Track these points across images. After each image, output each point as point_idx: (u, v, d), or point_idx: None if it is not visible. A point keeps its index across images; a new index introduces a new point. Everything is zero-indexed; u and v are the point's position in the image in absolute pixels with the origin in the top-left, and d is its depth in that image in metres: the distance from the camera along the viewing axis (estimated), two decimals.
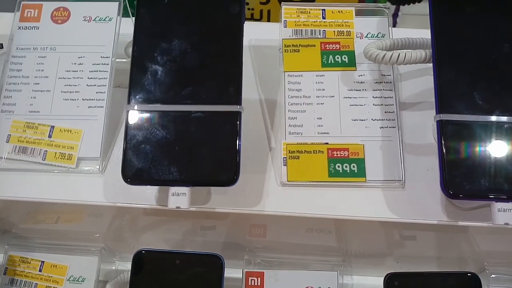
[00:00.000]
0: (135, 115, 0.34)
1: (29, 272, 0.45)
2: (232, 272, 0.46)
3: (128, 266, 0.40)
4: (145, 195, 0.37)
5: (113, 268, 0.50)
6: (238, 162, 0.33)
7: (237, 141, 0.33)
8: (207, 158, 0.33)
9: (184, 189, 0.33)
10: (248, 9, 0.83)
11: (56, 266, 0.45)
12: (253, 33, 0.45)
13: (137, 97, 0.34)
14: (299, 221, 0.38)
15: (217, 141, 0.33)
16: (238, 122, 0.33)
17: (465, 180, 0.32)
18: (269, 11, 0.84)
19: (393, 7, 0.84)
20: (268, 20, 0.85)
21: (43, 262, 0.45)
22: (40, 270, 0.45)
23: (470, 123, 0.33)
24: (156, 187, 0.36)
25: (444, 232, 0.42)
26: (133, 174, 0.33)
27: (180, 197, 0.32)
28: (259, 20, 0.85)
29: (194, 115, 0.33)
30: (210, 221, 0.44)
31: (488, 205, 0.33)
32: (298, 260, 0.46)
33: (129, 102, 0.34)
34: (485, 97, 0.33)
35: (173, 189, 0.33)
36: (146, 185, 0.34)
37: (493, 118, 0.33)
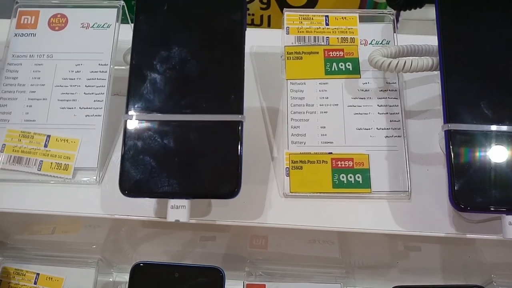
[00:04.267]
0: (133, 125, 0.33)
1: (24, 285, 0.43)
2: (232, 284, 0.45)
3: (126, 277, 0.39)
4: (144, 207, 0.36)
5: (111, 279, 0.48)
6: (240, 174, 0.31)
7: (239, 152, 0.32)
8: (207, 169, 0.32)
9: (184, 202, 0.31)
10: (249, 14, 0.83)
11: (51, 278, 0.44)
12: (255, 39, 0.44)
13: (135, 106, 0.33)
14: (302, 233, 0.37)
15: (218, 152, 0.32)
16: (239, 132, 0.32)
17: (474, 192, 0.31)
18: (269, 17, 0.83)
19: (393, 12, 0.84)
20: (269, 26, 0.84)
21: (38, 274, 0.44)
22: (35, 283, 0.44)
23: (479, 133, 0.32)
24: (154, 199, 0.35)
25: (450, 244, 0.41)
26: (131, 186, 0.32)
27: (179, 210, 0.31)
28: (260, 25, 0.85)
29: (194, 125, 0.32)
30: (211, 232, 0.43)
31: (498, 218, 0.32)
32: (300, 272, 0.45)
33: (127, 112, 0.33)
34: (495, 106, 0.32)
35: (172, 202, 0.32)
36: (144, 197, 0.33)
37: (503, 128, 0.32)
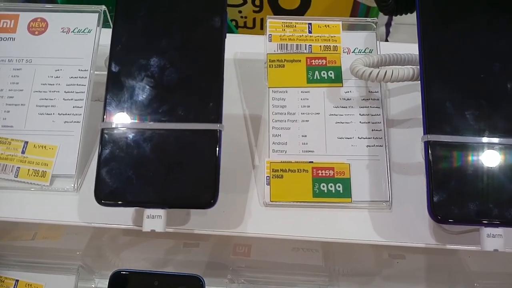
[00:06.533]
0: (110, 134, 0.32)
1: None
2: None
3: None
4: (122, 215, 0.35)
5: (92, 286, 0.48)
6: (217, 184, 0.31)
7: (216, 162, 0.31)
8: (184, 179, 0.31)
9: (160, 211, 0.31)
10: (241, 17, 0.82)
11: (31, 285, 0.43)
12: (239, 46, 0.44)
13: (112, 114, 0.33)
14: (282, 242, 0.37)
15: (195, 161, 0.32)
16: (217, 142, 0.32)
17: (453, 204, 0.31)
18: (262, 20, 0.83)
19: (385, 17, 0.83)
20: (261, 28, 0.84)
21: (17, 281, 0.43)
22: None
23: (459, 145, 0.32)
24: (132, 208, 0.35)
25: (432, 253, 0.40)
26: (106, 195, 0.31)
27: (155, 220, 0.31)
28: (252, 28, 0.84)
29: (172, 133, 0.32)
30: (193, 240, 0.43)
31: (478, 229, 0.32)
32: (283, 279, 0.45)
33: (103, 120, 0.33)
34: (475, 117, 0.32)
35: (148, 211, 0.31)
36: (119, 206, 0.32)
37: (483, 139, 0.32)
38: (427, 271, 0.46)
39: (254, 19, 0.84)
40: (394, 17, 0.83)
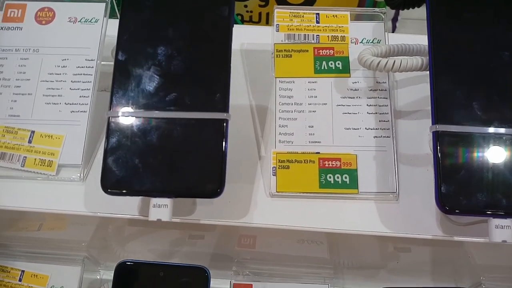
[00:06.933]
0: (116, 122, 0.32)
1: (9, 282, 0.43)
2: (220, 283, 0.44)
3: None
4: (128, 205, 0.35)
5: (98, 277, 0.48)
6: (223, 173, 0.31)
7: (223, 151, 0.31)
8: (190, 168, 0.31)
9: (166, 201, 0.31)
10: (247, 11, 0.82)
11: (36, 275, 0.43)
12: (246, 36, 0.43)
13: (119, 103, 0.33)
14: (288, 233, 0.37)
15: (202, 151, 0.31)
16: (224, 131, 0.32)
17: (461, 195, 0.30)
18: (267, 14, 0.83)
19: (392, 12, 0.83)
20: (267, 23, 0.84)
21: (23, 271, 0.43)
22: (20, 280, 0.43)
23: (467, 135, 0.31)
24: (138, 197, 0.35)
25: (439, 246, 0.40)
26: (112, 184, 0.31)
27: (161, 209, 0.31)
28: (258, 22, 0.84)
29: (178, 122, 0.32)
30: (198, 231, 0.43)
31: (486, 221, 0.31)
32: (288, 272, 0.45)
33: (110, 109, 0.33)
34: (484, 107, 0.32)
35: (154, 201, 0.31)
36: (126, 195, 0.32)
37: (492, 129, 0.31)
38: (432, 265, 0.46)
39: (260, 14, 0.84)
40: (400, 12, 0.82)
